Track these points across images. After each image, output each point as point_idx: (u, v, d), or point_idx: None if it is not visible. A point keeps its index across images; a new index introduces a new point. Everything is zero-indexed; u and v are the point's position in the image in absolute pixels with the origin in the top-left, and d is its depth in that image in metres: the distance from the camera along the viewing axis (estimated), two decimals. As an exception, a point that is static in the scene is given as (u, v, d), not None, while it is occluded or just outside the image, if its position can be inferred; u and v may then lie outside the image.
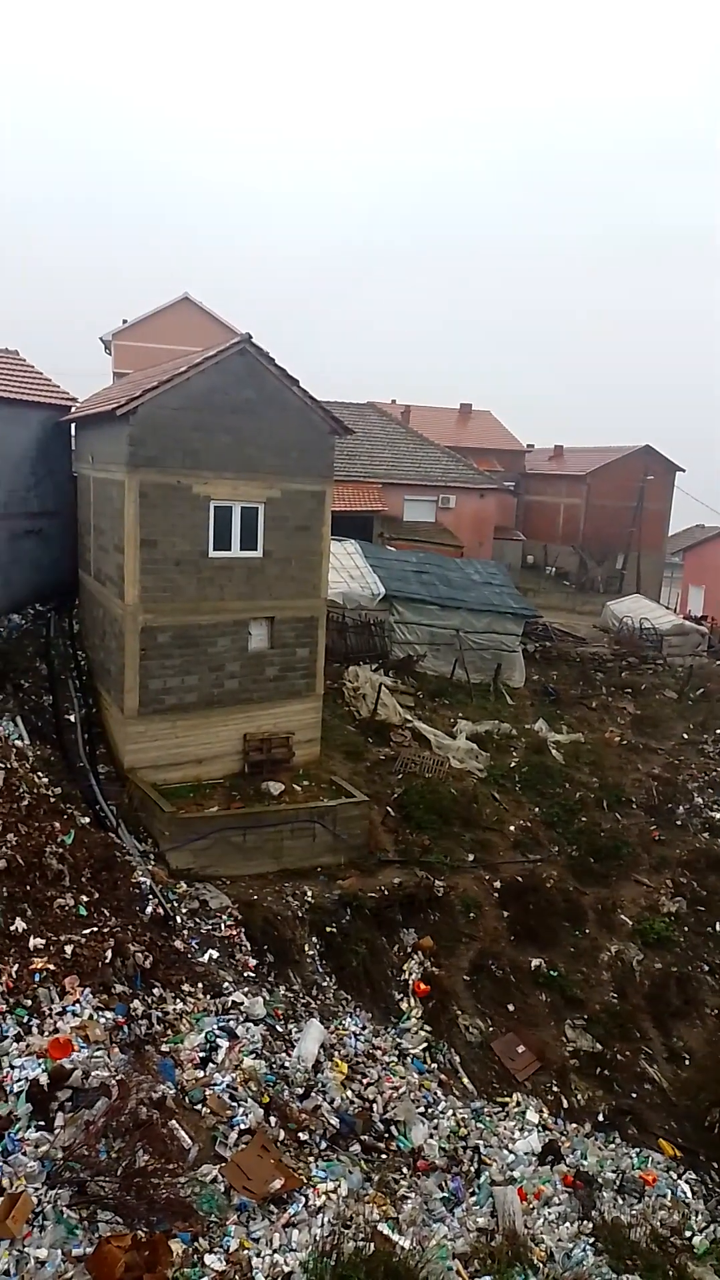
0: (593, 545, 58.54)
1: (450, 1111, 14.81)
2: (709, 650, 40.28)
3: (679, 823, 25.36)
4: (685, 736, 30.56)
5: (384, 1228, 11.05)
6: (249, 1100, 11.98)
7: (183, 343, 37.37)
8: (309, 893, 17.97)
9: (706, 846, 24.45)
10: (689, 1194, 15.27)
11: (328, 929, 17.38)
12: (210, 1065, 12.37)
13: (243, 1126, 11.43)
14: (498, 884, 20.52)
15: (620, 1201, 14.30)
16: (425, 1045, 16.31)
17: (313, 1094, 13.20)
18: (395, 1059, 15.50)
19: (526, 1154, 14.47)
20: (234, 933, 16.03)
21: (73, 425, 24.79)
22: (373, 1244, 10.42)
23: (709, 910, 22.35)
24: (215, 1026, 13.11)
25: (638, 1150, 16.02)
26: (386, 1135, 13.60)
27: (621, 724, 30.30)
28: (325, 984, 16.50)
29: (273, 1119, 12.07)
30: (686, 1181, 15.58)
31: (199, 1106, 11.56)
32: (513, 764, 25.25)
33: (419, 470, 45.01)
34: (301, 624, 20.91)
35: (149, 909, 14.98)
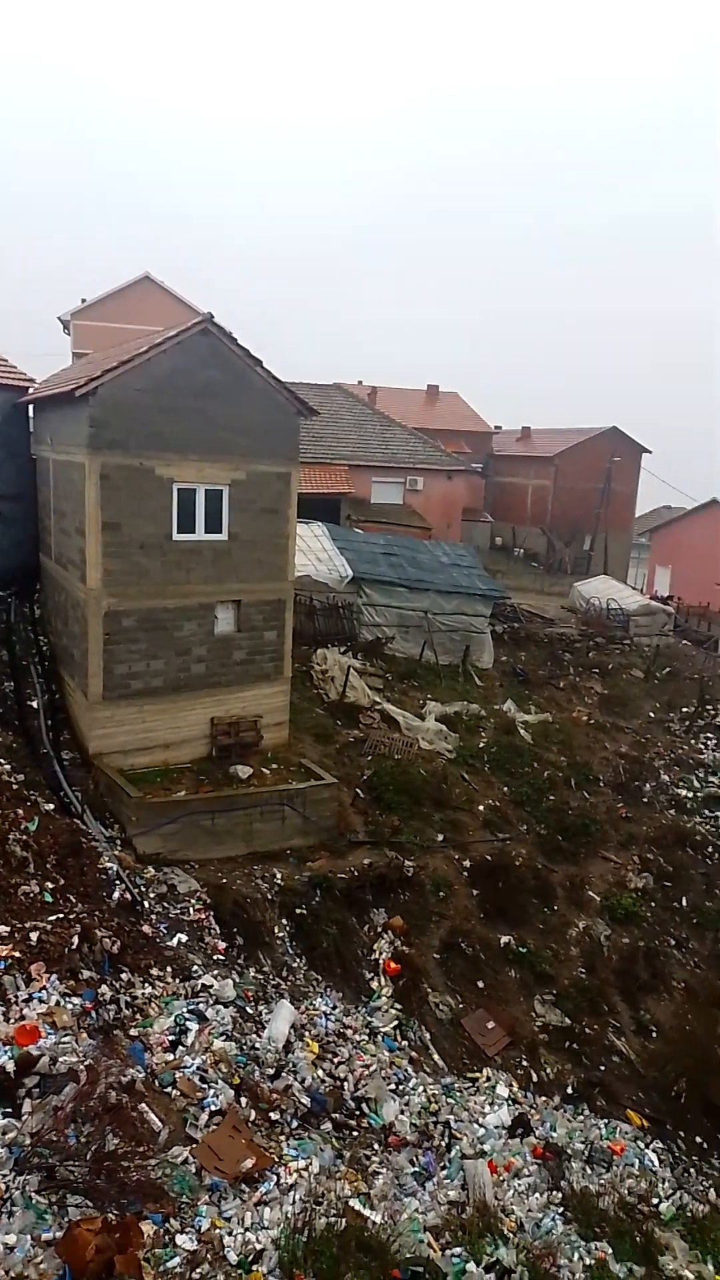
0: (561, 527, 58.84)
1: (421, 1088, 14.93)
2: (675, 630, 40.75)
3: (646, 800, 25.67)
4: (652, 715, 30.91)
5: (356, 1203, 11.14)
6: (219, 1082, 11.99)
7: (144, 323, 36.87)
8: (279, 875, 17.96)
9: (673, 823, 24.77)
10: (656, 1162, 15.54)
11: (298, 910, 17.39)
12: (180, 1048, 12.35)
13: (214, 1108, 11.44)
14: (467, 863, 20.65)
15: (589, 1171, 14.52)
16: (396, 1023, 16.40)
17: (284, 1074, 13.24)
18: (366, 1037, 15.58)
19: (497, 1127, 14.62)
20: (203, 916, 15.98)
21: (30, 407, 24.37)
22: (344, 1219, 10.51)
23: (675, 885, 22.67)
24: (185, 1010, 13.08)
25: (606, 1121, 16.26)
26: (358, 1113, 13.68)
27: (589, 704, 30.56)
28: (296, 965, 16.52)
29: (244, 1100, 12.09)
30: (654, 1150, 15.85)
31: (169, 1089, 11.54)
32: (482, 744, 25.37)
33: (386, 452, 44.88)
34: (269, 607, 20.79)
35: (116, 894, 14.89)
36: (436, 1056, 16.36)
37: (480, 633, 30.93)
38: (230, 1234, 9.73)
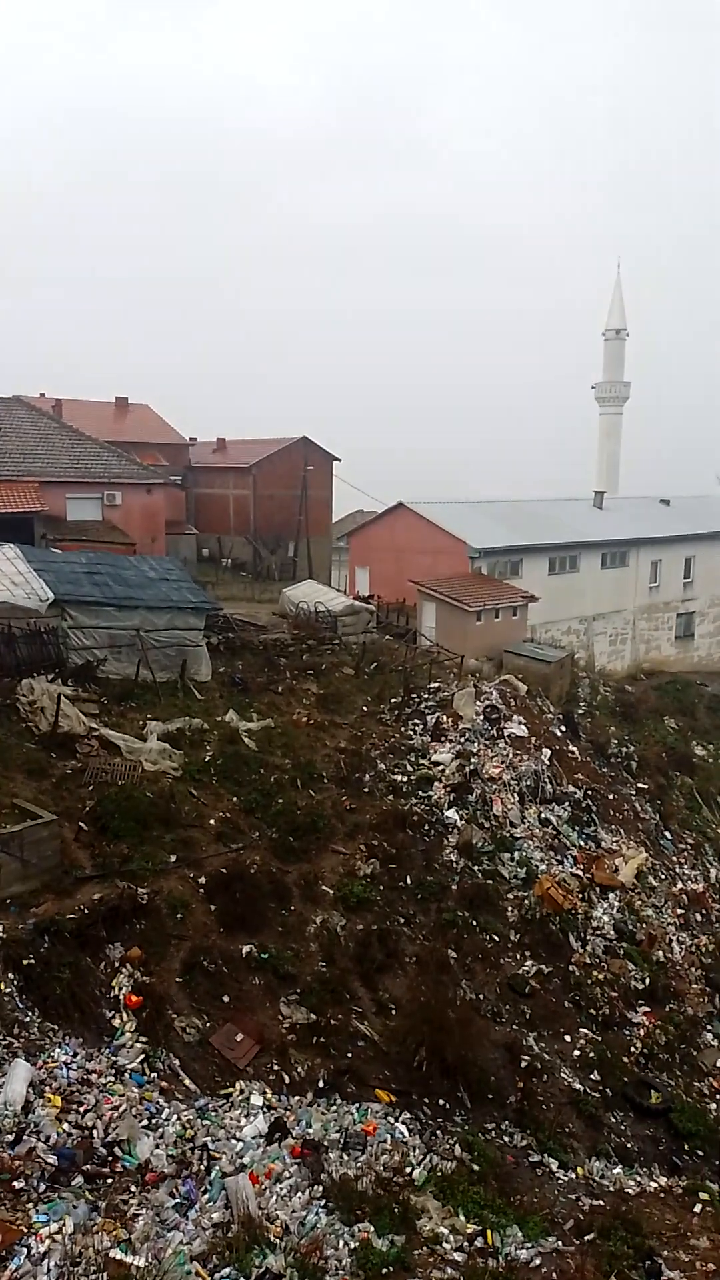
0: (264, 535, 60.12)
1: (175, 1117, 14.60)
2: (378, 626, 43.24)
3: (367, 790, 26.95)
4: (365, 709, 32.50)
5: (117, 1252, 10.75)
6: (-48, 1165, 10.97)
7: None
8: None
9: (392, 807, 26.22)
10: (406, 1133, 16.34)
11: (25, 961, 16.28)
12: None
13: (-54, 1195, 10.46)
14: (203, 879, 20.49)
15: (345, 1158, 14.98)
16: (143, 1057, 15.91)
17: (25, 1137, 12.40)
18: (113, 1078, 14.95)
19: (254, 1138, 14.67)
20: None
21: None
22: (105, 1273, 10.08)
23: (399, 866, 24.04)
24: None
25: (357, 1105, 16.82)
26: (110, 1158, 13.12)
27: (307, 705, 31.51)
28: (28, 1019, 15.46)
29: (-19, 1177, 11.16)
30: (403, 1123, 16.65)
31: None
32: (208, 758, 25.28)
33: (79, 467, 43.28)
34: (-38, 639, 19.26)
35: None
36: (188, 1081, 16.08)
37: (196, 646, 30.78)
38: (-21, 1326, 8.96)
